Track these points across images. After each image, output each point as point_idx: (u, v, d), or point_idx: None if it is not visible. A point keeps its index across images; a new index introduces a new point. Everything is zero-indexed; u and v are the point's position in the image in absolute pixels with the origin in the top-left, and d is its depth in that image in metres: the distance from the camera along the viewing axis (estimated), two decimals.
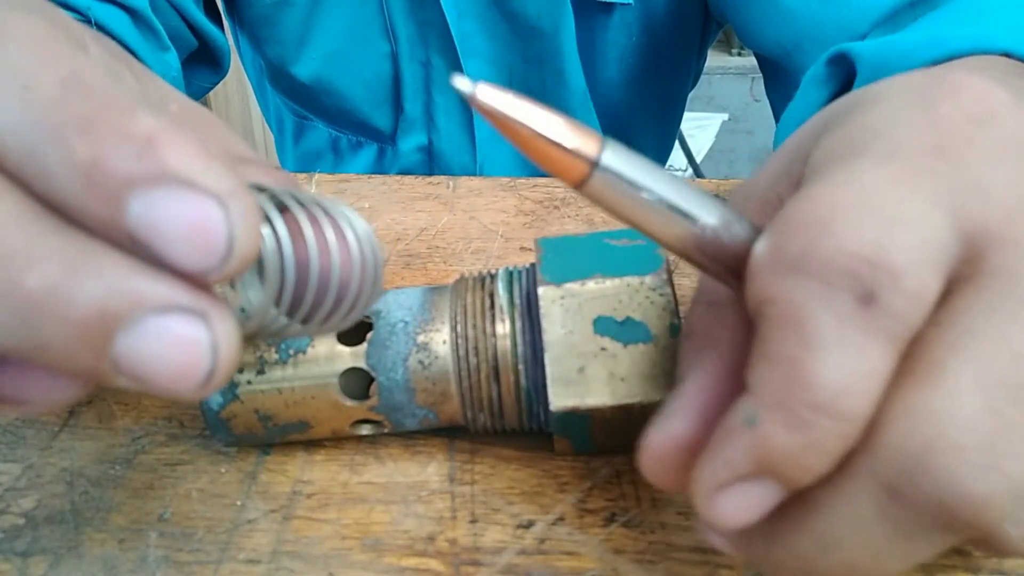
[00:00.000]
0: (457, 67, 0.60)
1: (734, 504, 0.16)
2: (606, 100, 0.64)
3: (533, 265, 0.26)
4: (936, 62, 0.31)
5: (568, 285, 0.24)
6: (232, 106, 1.95)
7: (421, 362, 0.25)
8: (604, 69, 0.62)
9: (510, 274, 0.26)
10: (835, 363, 0.14)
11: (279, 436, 0.26)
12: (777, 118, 0.50)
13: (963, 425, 0.14)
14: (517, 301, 0.25)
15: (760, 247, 0.16)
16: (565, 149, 0.16)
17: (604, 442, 0.25)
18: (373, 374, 0.25)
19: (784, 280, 0.15)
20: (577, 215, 0.41)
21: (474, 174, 0.64)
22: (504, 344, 0.25)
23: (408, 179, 0.46)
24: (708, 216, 0.17)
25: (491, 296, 0.26)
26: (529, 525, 0.25)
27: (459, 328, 0.25)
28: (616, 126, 0.66)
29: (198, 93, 0.60)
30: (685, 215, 0.17)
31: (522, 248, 0.39)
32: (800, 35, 0.45)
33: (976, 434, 0.14)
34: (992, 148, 0.16)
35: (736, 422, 0.16)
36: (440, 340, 0.25)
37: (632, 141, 0.52)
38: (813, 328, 0.14)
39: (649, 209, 0.17)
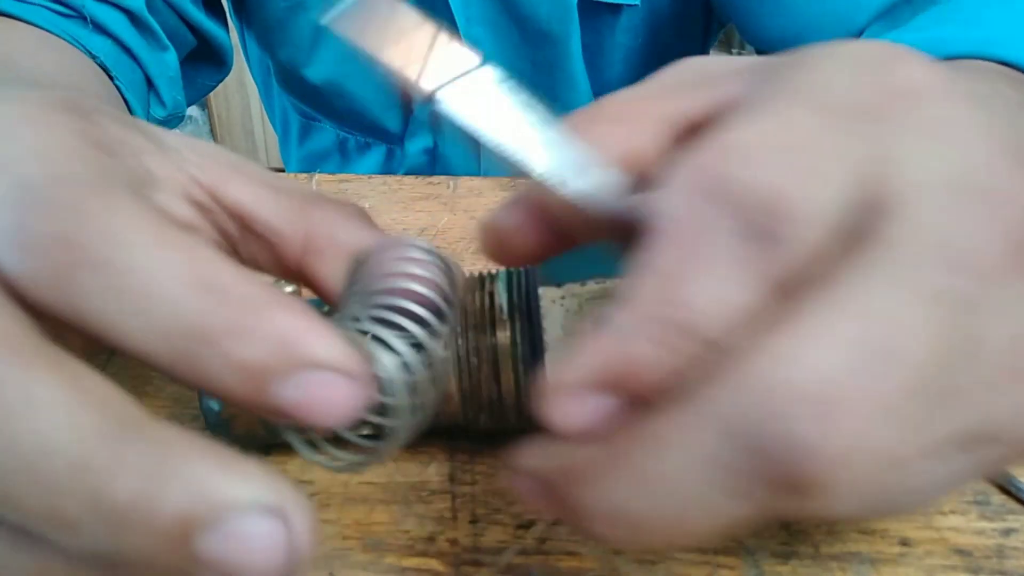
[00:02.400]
0: None
1: (576, 404, 0.16)
2: None
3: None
4: None
5: (568, 285, 0.24)
6: (232, 106, 1.95)
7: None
8: (609, 71, 0.62)
9: (510, 274, 0.26)
10: (707, 287, 0.15)
11: (279, 436, 0.26)
12: None
13: (814, 375, 0.14)
14: (517, 301, 0.25)
15: (680, 161, 0.16)
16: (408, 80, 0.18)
17: None
18: None
19: (690, 198, 0.16)
20: None
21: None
22: (504, 344, 0.25)
23: (408, 179, 0.46)
24: (548, 169, 0.18)
25: (491, 296, 0.26)
26: (529, 525, 0.25)
27: (459, 328, 0.25)
28: None
29: (201, 91, 0.59)
30: (521, 165, 0.18)
31: None
32: (801, 29, 0.45)
33: (825, 387, 0.14)
34: (917, 126, 0.16)
35: (601, 329, 0.16)
36: None
37: None
38: (699, 248, 0.15)
39: (493, 151, 0.18)
